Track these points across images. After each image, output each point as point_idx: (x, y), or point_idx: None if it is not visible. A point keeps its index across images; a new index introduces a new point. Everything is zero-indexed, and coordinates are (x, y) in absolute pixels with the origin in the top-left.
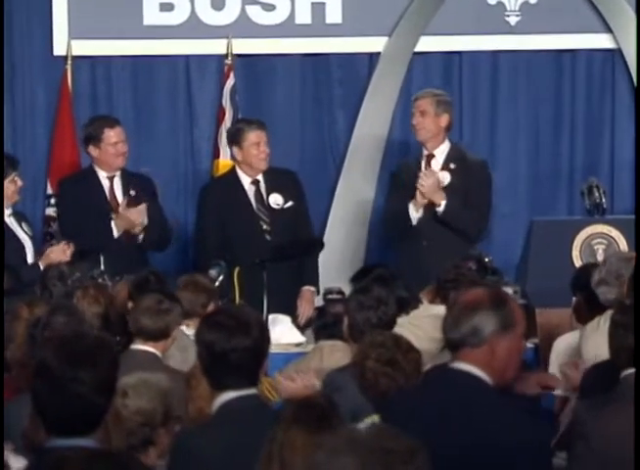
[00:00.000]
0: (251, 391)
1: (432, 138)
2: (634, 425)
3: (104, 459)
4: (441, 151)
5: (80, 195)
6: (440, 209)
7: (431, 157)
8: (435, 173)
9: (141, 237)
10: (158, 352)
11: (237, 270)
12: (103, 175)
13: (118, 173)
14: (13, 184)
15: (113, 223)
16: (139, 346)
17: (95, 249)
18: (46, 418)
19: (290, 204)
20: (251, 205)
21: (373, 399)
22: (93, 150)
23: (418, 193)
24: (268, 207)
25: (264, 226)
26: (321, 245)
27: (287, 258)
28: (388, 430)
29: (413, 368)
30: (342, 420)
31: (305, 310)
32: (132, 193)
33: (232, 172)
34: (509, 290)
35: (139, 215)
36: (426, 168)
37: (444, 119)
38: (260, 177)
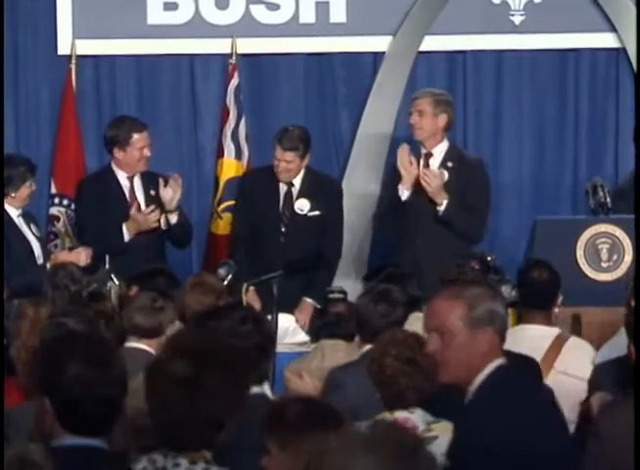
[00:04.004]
0: (255, 389)
1: (429, 138)
2: (634, 425)
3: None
4: (440, 150)
5: (100, 196)
6: (442, 208)
7: (429, 155)
8: (442, 174)
9: (175, 219)
10: (152, 350)
11: (245, 287)
12: (122, 176)
13: (138, 173)
14: (28, 188)
15: (124, 227)
16: (133, 343)
17: (111, 252)
18: (67, 417)
19: (316, 213)
20: (278, 203)
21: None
22: (117, 152)
23: (404, 176)
24: (292, 210)
25: (282, 228)
26: (332, 261)
27: (297, 272)
28: (392, 425)
29: (431, 369)
30: (346, 419)
31: (300, 322)
32: (152, 193)
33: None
34: (510, 289)
35: (156, 213)
36: (424, 167)
37: (442, 119)
38: (297, 180)
